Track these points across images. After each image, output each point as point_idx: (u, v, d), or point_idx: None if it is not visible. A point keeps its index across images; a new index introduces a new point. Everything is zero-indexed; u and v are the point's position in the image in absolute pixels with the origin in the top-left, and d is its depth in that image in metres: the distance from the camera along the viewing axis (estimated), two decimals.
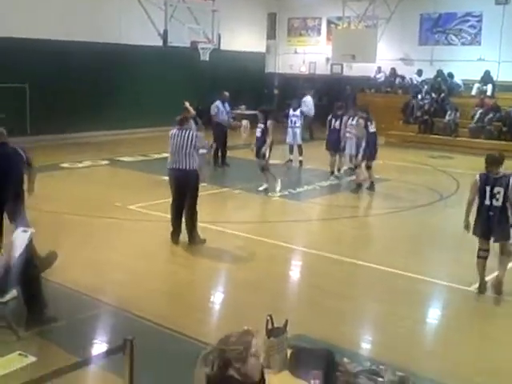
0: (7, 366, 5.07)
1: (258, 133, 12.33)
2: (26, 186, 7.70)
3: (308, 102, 20.10)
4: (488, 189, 7.11)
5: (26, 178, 7.76)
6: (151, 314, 6.27)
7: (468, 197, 7.41)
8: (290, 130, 15.95)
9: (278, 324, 4.53)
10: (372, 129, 13.01)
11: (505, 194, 7.03)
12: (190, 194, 8.74)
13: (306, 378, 3.96)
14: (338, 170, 14.71)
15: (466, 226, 7.35)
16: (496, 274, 7.32)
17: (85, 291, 6.79)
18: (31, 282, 5.69)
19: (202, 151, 9.61)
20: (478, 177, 7.27)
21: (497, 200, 7.07)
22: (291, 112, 16.07)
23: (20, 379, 4.19)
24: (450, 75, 21.72)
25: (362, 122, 13.06)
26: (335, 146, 14.17)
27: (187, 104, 14.53)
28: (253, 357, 3.17)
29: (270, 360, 4.35)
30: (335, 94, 23.88)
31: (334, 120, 14.25)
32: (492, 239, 7.23)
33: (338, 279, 7.82)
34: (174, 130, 8.85)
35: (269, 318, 4.50)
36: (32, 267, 5.74)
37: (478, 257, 7.29)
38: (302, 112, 16.22)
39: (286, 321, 4.56)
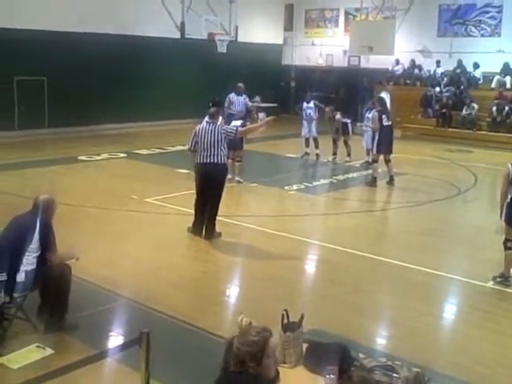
0: (25, 358, 5.12)
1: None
2: None
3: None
4: None
5: None
6: (167, 307, 6.30)
7: (501, 188, 7.42)
8: (304, 122, 15.89)
9: (294, 318, 4.53)
10: (386, 122, 12.93)
11: None
12: (218, 188, 8.80)
13: (321, 373, 3.96)
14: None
15: (502, 216, 7.36)
16: None
17: (101, 284, 6.84)
18: (62, 284, 5.62)
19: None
20: (510, 167, 7.27)
21: None
22: (305, 104, 16.02)
23: (38, 371, 4.24)
24: (476, 65, 21.40)
25: (376, 114, 13.00)
26: None
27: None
28: (268, 358, 3.19)
29: (286, 354, 4.36)
30: (352, 87, 23.80)
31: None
32: None
33: (354, 273, 7.80)
34: (203, 125, 8.86)
35: (284, 312, 4.51)
36: (66, 267, 5.70)
37: (507, 248, 7.33)
38: (315, 104, 16.06)
39: (302, 315, 4.56)
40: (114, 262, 7.69)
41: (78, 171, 13.50)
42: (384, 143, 12.81)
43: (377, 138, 12.85)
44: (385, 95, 19.62)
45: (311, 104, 15.90)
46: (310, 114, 15.72)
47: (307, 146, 16.04)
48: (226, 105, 15.40)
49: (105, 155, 15.30)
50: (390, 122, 13.12)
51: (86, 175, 13.17)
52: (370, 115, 14.18)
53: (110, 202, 10.60)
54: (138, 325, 4.42)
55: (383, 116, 12.91)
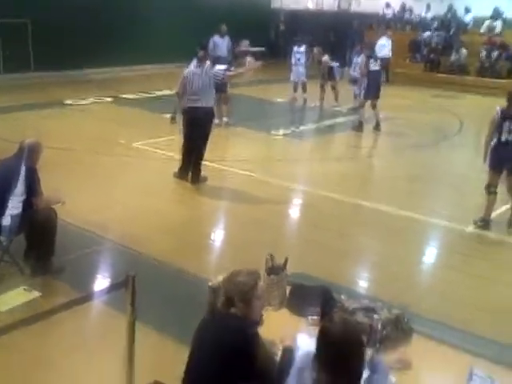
0: (12, 301, 5.19)
1: None
2: None
3: (383, 45, 19.56)
4: (506, 124, 7.26)
5: None
6: (153, 251, 6.37)
7: (487, 132, 7.51)
8: (293, 67, 15.73)
9: (279, 262, 4.60)
10: (374, 67, 12.81)
11: None
12: (204, 132, 8.79)
13: (304, 315, 4.05)
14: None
15: (485, 160, 7.51)
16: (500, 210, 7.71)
17: (88, 227, 6.89)
18: (48, 227, 5.64)
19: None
20: (498, 111, 7.35)
21: None
22: (295, 49, 15.80)
23: (25, 314, 4.31)
24: (467, 10, 21.17)
25: (364, 59, 12.89)
26: None
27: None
28: (256, 299, 3.25)
29: (270, 297, 4.43)
30: (342, 31, 23.49)
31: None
32: (504, 172, 7.45)
33: (338, 218, 7.89)
34: (191, 68, 8.80)
35: (269, 256, 4.57)
36: (51, 211, 5.69)
37: (489, 193, 7.50)
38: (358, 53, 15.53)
39: (286, 259, 4.62)
40: (101, 207, 7.72)
41: (63, 115, 13.37)
42: (371, 89, 12.72)
43: (365, 82, 12.76)
44: (385, 41, 19.55)
45: (302, 49, 15.69)
46: (299, 58, 15.55)
47: (295, 90, 15.91)
48: (211, 47, 15.23)
49: (91, 99, 15.12)
50: (378, 67, 13.01)
51: (72, 119, 13.04)
52: (359, 59, 14.07)
53: (96, 147, 10.55)
54: (124, 268, 4.48)
55: (371, 60, 12.80)
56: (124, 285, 3.69)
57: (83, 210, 7.30)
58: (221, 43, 15.37)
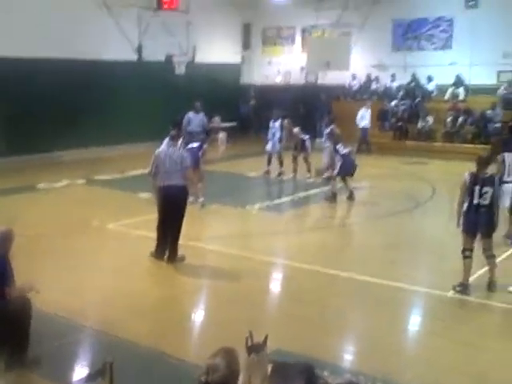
0: None
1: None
2: None
3: (363, 115, 20.32)
4: (477, 188, 7.38)
5: None
6: (132, 335, 6.23)
7: (458, 197, 7.62)
8: (270, 141, 16.06)
9: (260, 339, 4.53)
10: (343, 150, 13.04)
11: (492, 193, 7.38)
12: (180, 211, 8.77)
13: None
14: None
15: (458, 224, 7.60)
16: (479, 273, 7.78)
17: (64, 314, 6.74)
18: (22, 319, 5.47)
19: None
20: (467, 176, 7.49)
21: (485, 199, 7.39)
22: (271, 123, 16.19)
23: None
24: (429, 78, 21.90)
25: (331, 147, 13.12)
26: None
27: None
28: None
29: (252, 377, 4.35)
30: (311, 103, 24.12)
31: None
32: (478, 236, 7.55)
33: (318, 290, 7.85)
34: (163, 147, 8.92)
35: (248, 334, 4.50)
36: (25, 301, 5.55)
37: (465, 257, 7.54)
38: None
39: (266, 336, 4.54)
40: (76, 292, 7.59)
41: (36, 200, 13.29)
42: (346, 168, 12.94)
43: (339, 164, 12.91)
44: (365, 112, 20.15)
45: (277, 124, 16.03)
46: (274, 133, 15.86)
47: (269, 163, 16.11)
48: (185, 123, 15.59)
49: (64, 182, 15.03)
50: (348, 149, 13.21)
51: (45, 203, 12.96)
52: (328, 130, 14.42)
53: (70, 230, 10.47)
54: (102, 355, 4.38)
55: (338, 146, 13.06)
56: (101, 373, 3.61)
57: (58, 296, 7.16)
58: (195, 119, 15.78)
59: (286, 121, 16.17)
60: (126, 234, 10.37)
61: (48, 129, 18.35)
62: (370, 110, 20.43)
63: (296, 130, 15.63)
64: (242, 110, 26.54)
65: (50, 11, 18.18)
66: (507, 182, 9.41)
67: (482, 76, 21.15)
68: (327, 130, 15.09)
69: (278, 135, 15.85)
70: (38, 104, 18.26)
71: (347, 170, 12.99)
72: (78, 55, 18.88)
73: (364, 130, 20.53)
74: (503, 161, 9.43)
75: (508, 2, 18.37)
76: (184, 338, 6.48)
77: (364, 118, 20.36)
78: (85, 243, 9.82)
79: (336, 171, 12.99)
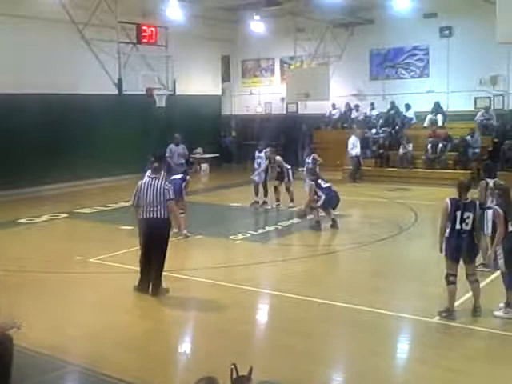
0: None
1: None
2: None
3: (353, 143, 20.49)
4: (459, 214, 7.43)
5: None
6: (117, 370, 6.12)
7: (440, 223, 7.64)
8: (256, 171, 16.06)
9: (245, 371, 4.48)
10: (325, 184, 13.20)
11: (473, 218, 7.43)
12: (162, 243, 8.69)
13: None
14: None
15: (441, 250, 7.60)
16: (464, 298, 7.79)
17: (46, 351, 6.62)
18: (2, 357, 5.32)
19: None
20: (448, 202, 7.52)
21: (466, 224, 7.43)
22: (257, 154, 16.24)
23: None
24: (408, 106, 22.21)
25: (312, 184, 13.17)
26: None
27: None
28: None
29: None
30: (291, 133, 24.32)
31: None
32: (461, 261, 7.55)
33: (304, 319, 7.79)
34: (145, 179, 8.86)
35: (233, 366, 4.44)
36: (6, 338, 5.41)
37: (449, 282, 7.54)
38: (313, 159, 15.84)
39: (251, 368, 4.50)
40: (59, 328, 7.47)
41: (17, 235, 13.14)
42: (329, 201, 13.06)
43: (322, 198, 12.97)
44: (355, 140, 20.34)
45: (262, 154, 16.08)
46: (260, 163, 15.91)
47: (257, 194, 16.07)
48: (168, 155, 15.80)
49: (45, 216, 14.93)
50: (329, 184, 13.34)
51: (26, 239, 12.84)
52: (309, 159, 14.52)
53: (52, 265, 10.35)
54: None
55: (319, 181, 13.19)
56: None
57: (40, 332, 7.05)
58: (176, 151, 16.00)
59: (268, 149, 16.25)
60: (109, 267, 10.26)
61: (29, 164, 18.33)
62: (358, 138, 20.61)
63: (278, 158, 15.72)
64: (223, 140, 26.67)
65: (29, 46, 18.28)
66: (490, 208, 9.46)
67: (459, 103, 21.55)
68: (309, 160, 15.27)
69: (263, 165, 15.91)
70: (20, 139, 18.26)
71: (331, 203, 13.14)
72: (58, 90, 18.98)
73: (356, 157, 20.66)
74: (485, 187, 9.45)
75: (481, 31, 18.74)
76: (170, 371, 6.39)
77: (355, 146, 20.51)
78: (67, 278, 9.72)
79: (320, 203, 13.04)
